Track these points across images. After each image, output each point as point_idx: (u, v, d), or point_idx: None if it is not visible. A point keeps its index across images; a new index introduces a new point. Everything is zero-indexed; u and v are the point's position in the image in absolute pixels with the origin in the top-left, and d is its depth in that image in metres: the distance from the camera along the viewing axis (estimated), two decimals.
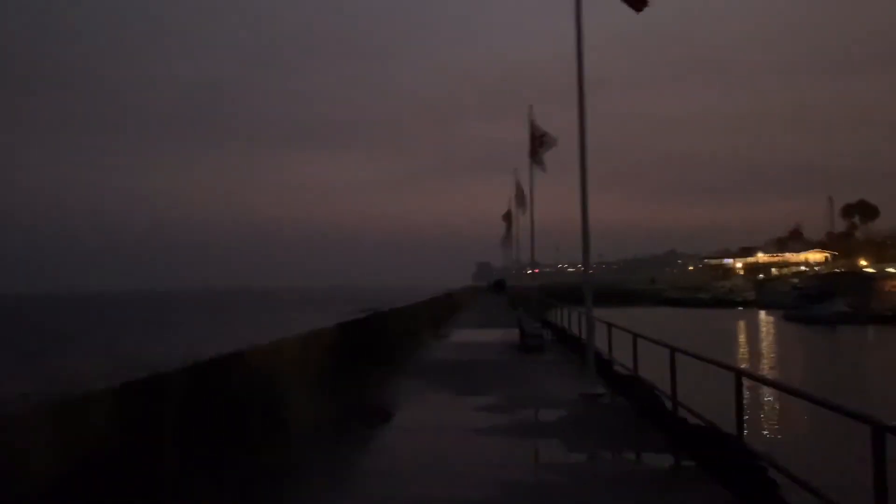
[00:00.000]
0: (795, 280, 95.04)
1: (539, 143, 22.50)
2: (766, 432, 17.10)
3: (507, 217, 44.12)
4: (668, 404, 8.67)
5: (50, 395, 4.15)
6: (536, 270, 47.24)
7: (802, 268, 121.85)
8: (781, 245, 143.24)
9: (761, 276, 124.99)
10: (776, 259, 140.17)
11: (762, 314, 74.82)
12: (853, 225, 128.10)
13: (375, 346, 12.90)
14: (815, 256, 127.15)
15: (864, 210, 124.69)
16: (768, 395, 19.92)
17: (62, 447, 3.95)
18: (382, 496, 6.05)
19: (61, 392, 4.21)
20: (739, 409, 6.24)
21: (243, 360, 6.50)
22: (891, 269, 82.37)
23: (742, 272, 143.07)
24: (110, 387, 4.48)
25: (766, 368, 32.02)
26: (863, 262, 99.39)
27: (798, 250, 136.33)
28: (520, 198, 32.44)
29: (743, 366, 28.76)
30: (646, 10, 10.26)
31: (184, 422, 5.20)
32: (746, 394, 6.51)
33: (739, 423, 6.23)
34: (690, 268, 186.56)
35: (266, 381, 7.01)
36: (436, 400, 10.85)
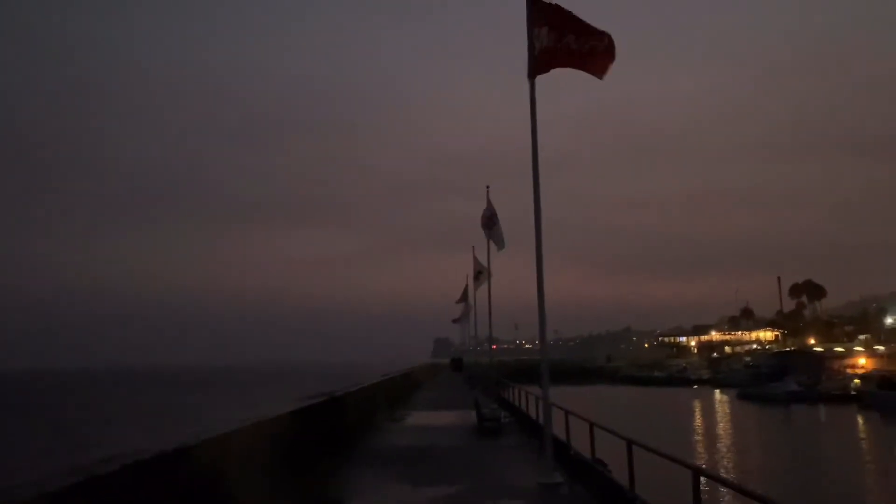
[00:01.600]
0: (748, 359, 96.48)
1: (488, 223, 23.06)
2: None
3: (464, 296, 44.17)
4: (628, 496, 8.54)
5: None
6: (495, 347, 47.08)
7: (755, 346, 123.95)
8: (734, 323, 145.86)
9: (715, 353, 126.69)
10: (729, 337, 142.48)
11: (717, 393, 75.39)
12: (801, 304, 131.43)
13: (329, 434, 12.54)
14: (767, 335, 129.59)
15: (811, 290, 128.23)
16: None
17: None
18: None
19: None
20: None
21: (190, 454, 6.23)
22: (839, 349, 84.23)
23: (696, 350, 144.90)
24: (44, 492, 4.22)
25: (725, 451, 32.02)
26: (811, 341, 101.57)
27: (750, 328, 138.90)
28: (478, 273, 32.61)
29: (702, 455, 28.82)
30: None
31: None
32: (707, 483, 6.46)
33: None
34: (646, 345, 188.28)
35: (214, 477, 6.71)
36: (391, 491, 10.51)
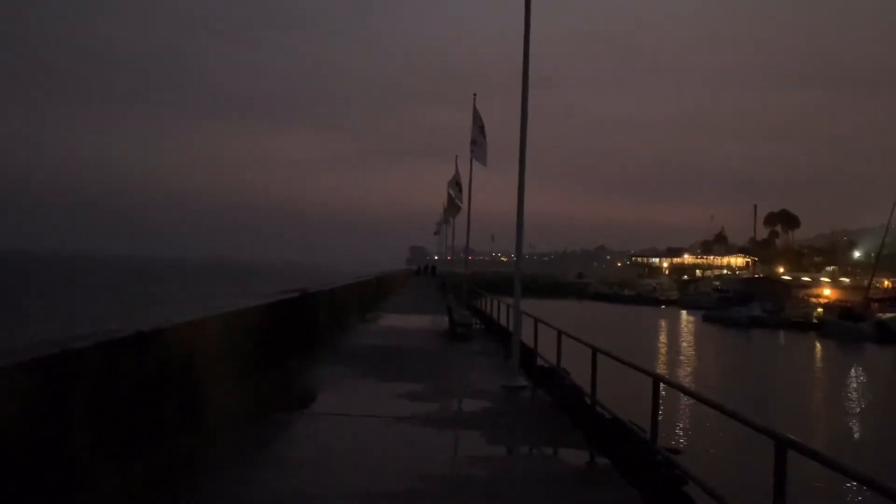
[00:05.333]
0: (717, 283, 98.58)
1: (477, 138, 22.65)
2: (679, 434, 17.73)
3: (446, 208, 44.02)
4: (588, 401, 8.87)
5: None
6: (471, 258, 47.52)
7: (725, 271, 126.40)
8: (707, 248, 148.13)
9: (686, 276, 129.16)
10: (701, 261, 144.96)
11: (684, 314, 77.35)
12: (774, 233, 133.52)
13: (301, 329, 12.73)
14: (738, 261, 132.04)
15: (786, 219, 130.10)
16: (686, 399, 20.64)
17: None
18: (296, 487, 5.97)
19: None
20: (655, 412, 6.42)
21: (162, 337, 6.30)
22: (806, 278, 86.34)
23: (668, 271, 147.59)
24: (18, 362, 4.26)
25: (684, 368, 33.19)
26: (780, 270, 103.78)
27: (722, 254, 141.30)
28: (456, 184, 32.47)
29: (661, 370, 29.83)
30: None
31: (95, 403, 5.01)
32: (664, 394, 6.71)
33: (654, 426, 6.41)
34: (619, 264, 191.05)
35: (184, 361, 6.82)
36: (359, 386, 10.80)
